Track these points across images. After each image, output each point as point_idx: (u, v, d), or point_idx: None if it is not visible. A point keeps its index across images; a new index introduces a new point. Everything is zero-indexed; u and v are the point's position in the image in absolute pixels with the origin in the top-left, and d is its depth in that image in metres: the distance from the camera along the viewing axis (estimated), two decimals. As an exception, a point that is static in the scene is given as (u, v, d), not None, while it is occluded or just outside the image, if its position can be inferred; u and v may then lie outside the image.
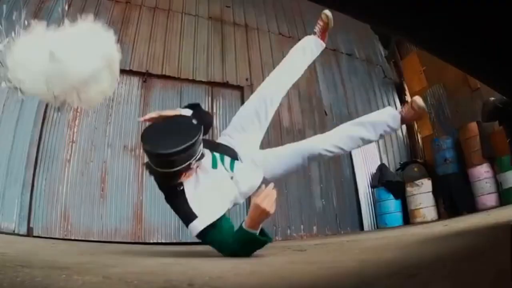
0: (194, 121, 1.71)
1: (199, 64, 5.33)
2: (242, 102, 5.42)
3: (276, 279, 0.98)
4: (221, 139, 2.11)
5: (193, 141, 1.51)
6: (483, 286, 0.64)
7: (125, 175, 4.33)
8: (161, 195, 1.71)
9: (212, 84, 5.32)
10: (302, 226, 5.01)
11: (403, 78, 7.29)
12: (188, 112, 1.84)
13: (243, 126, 2.10)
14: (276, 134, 5.43)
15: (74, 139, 4.26)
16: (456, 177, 5.15)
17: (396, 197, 5.39)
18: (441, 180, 5.32)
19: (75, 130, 4.30)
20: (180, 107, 1.97)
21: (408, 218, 5.30)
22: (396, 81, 7.29)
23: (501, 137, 3.99)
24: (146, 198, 4.27)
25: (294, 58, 2.31)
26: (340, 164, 5.74)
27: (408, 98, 7.12)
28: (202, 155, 1.65)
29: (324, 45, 2.39)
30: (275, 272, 1.13)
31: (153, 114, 1.79)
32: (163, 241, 4.17)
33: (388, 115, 2.06)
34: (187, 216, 1.54)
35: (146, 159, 1.62)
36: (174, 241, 4.22)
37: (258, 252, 1.58)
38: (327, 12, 2.29)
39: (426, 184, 5.19)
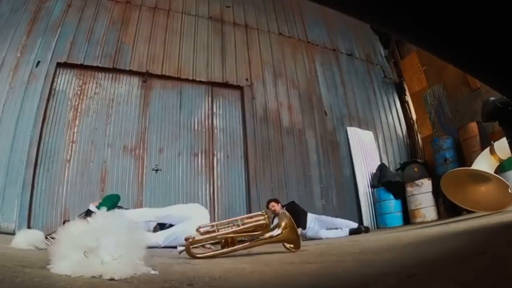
0: None
1: (199, 64, 5.33)
2: (242, 102, 5.43)
3: (275, 279, 0.98)
4: None
5: None
6: (483, 286, 0.64)
7: (125, 175, 4.32)
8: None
9: (212, 84, 5.32)
10: (302, 226, 5.01)
11: (403, 78, 7.29)
12: None
13: None
14: (277, 134, 5.43)
15: (74, 139, 4.26)
16: (456, 177, 5.14)
17: (396, 197, 5.38)
18: (441, 180, 5.31)
19: (75, 130, 4.29)
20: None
21: (408, 218, 5.29)
22: (396, 81, 7.29)
23: (501, 137, 3.97)
24: (146, 198, 4.25)
25: None
26: (340, 164, 5.74)
27: (408, 98, 7.12)
28: None
29: None
30: (275, 272, 1.13)
31: None
32: (163, 241, 4.16)
33: None
34: None
35: None
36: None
37: (258, 252, 1.58)
38: None
39: (426, 184, 5.18)
